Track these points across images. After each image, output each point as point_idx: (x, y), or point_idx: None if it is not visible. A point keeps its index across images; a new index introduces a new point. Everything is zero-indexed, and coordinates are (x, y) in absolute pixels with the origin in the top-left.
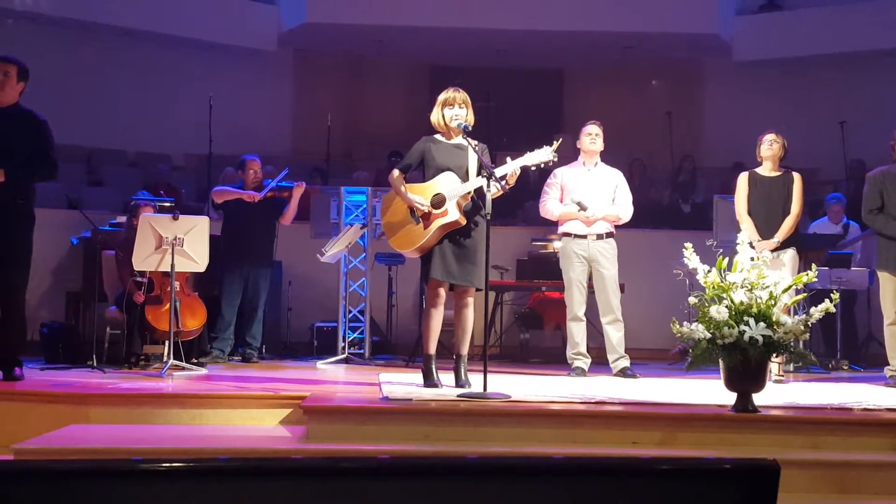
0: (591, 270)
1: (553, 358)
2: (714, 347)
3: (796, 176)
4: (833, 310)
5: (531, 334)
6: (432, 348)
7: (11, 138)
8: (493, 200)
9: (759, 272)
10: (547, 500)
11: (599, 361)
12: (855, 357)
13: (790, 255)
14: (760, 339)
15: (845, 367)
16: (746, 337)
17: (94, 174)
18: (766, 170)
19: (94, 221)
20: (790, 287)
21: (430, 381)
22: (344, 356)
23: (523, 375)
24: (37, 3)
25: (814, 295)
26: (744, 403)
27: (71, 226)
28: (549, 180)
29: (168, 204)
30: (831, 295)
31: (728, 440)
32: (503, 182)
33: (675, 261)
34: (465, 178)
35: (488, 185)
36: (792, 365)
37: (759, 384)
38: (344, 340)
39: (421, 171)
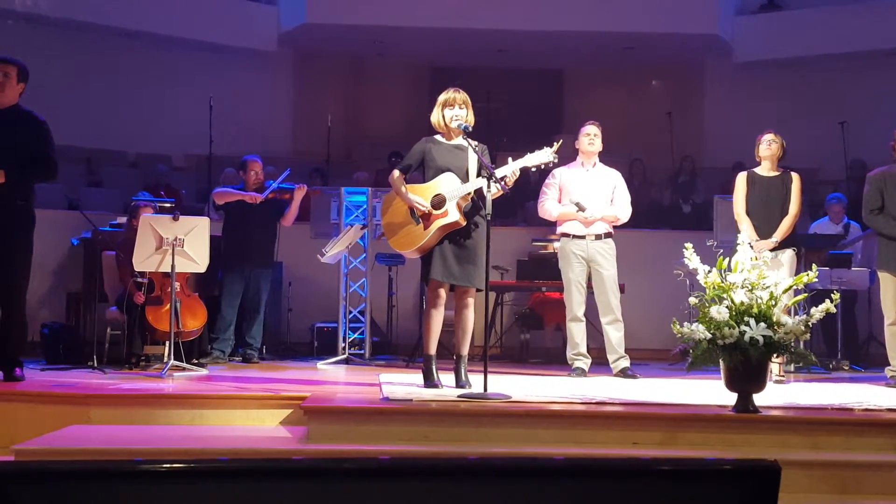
0: (590, 271)
1: (553, 358)
2: (714, 348)
3: (795, 176)
4: (833, 310)
5: (531, 335)
6: (432, 349)
7: (11, 139)
8: (494, 201)
9: (760, 272)
10: (547, 500)
11: (600, 362)
12: (855, 357)
13: (788, 255)
14: (761, 339)
15: (846, 368)
16: (747, 337)
17: (95, 175)
18: (765, 170)
19: (94, 222)
20: (790, 287)
21: (430, 382)
22: (344, 357)
23: (523, 376)
24: (37, 4)
25: (814, 295)
26: (744, 404)
27: (71, 226)
28: (547, 180)
29: (168, 205)
30: (832, 295)
31: (728, 440)
32: (503, 183)
33: (675, 261)
34: (465, 178)
35: (488, 186)
36: (792, 365)
37: (759, 384)
38: (344, 341)
39: (421, 171)
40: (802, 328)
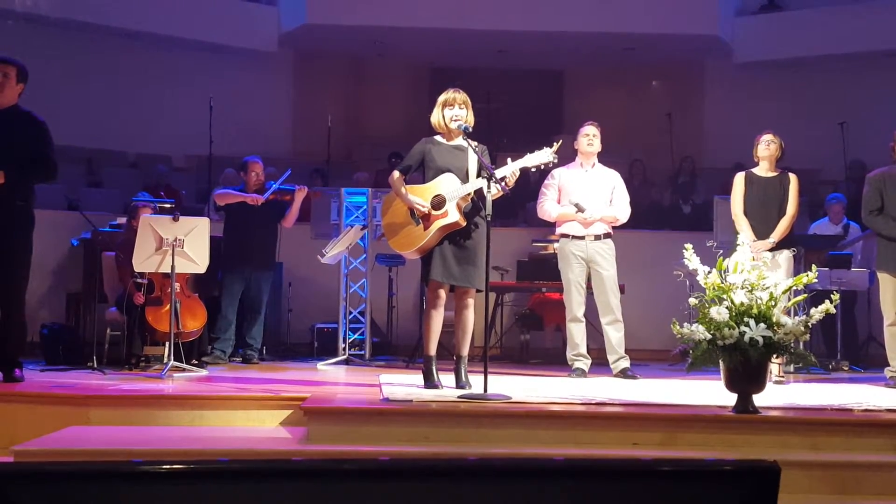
0: (589, 271)
1: (553, 359)
2: (714, 348)
3: (792, 177)
4: (833, 311)
5: (531, 335)
6: (433, 349)
7: (11, 140)
8: (494, 201)
9: (760, 273)
10: (547, 501)
11: (600, 362)
12: (855, 358)
13: (786, 256)
14: (761, 340)
15: (845, 368)
16: (747, 338)
17: (95, 175)
18: (763, 170)
19: (94, 223)
20: (790, 288)
21: (430, 383)
22: (344, 357)
23: (524, 376)
24: (37, 4)
25: (814, 296)
26: (744, 404)
27: (71, 227)
28: (546, 181)
29: (168, 205)
30: (831, 296)
31: (728, 441)
32: (503, 183)
33: (675, 262)
34: (465, 179)
35: (488, 187)
36: (792, 366)
37: (759, 385)
38: (344, 341)
39: (421, 172)
40: (802, 329)
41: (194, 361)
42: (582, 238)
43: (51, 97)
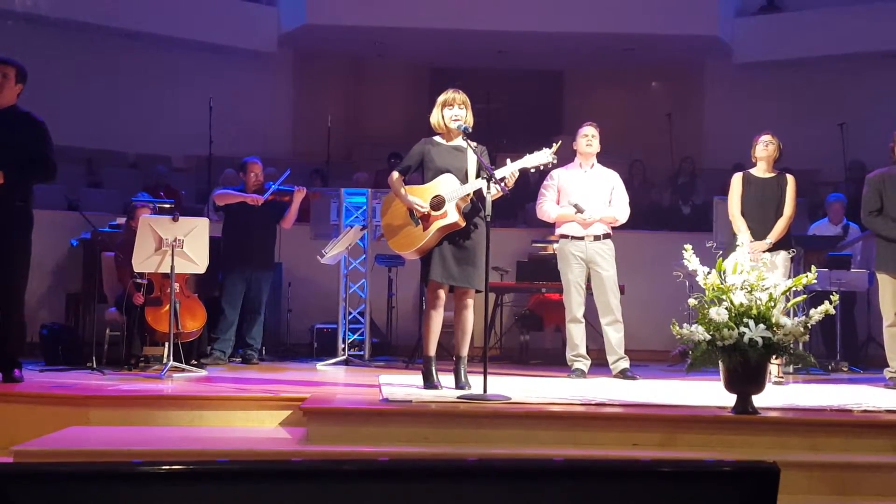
0: (589, 272)
1: (553, 359)
2: (714, 349)
3: (790, 178)
4: (832, 311)
5: (531, 336)
6: (432, 350)
7: (10, 140)
8: (493, 202)
9: (759, 274)
10: (547, 501)
11: (599, 363)
12: (854, 359)
13: (782, 256)
14: (760, 340)
15: (845, 369)
16: (746, 339)
17: (94, 175)
18: (760, 171)
19: (93, 223)
20: (789, 289)
21: (429, 383)
22: (344, 358)
23: (523, 377)
24: (36, 4)
25: (813, 296)
26: (743, 405)
27: (71, 227)
28: (545, 182)
29: (168, 205)
30: (831, 296)
31: (728, 442)
32: (503, 184)
33: (674, 262)
34: (464, 179)
35: (488, 187)
36: (791, 366)
37: (758, 386)
38: (344, 342)
39: (420, 172)
40: (801, 330)
41: (194, 362)
42: (581, 239)
43: (51, 97)
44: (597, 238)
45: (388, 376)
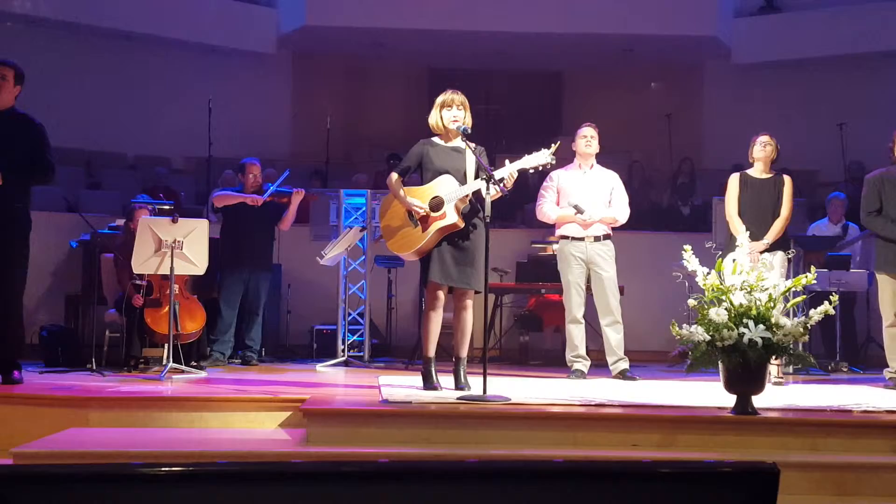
0: (589, 272)
1: (553, 360)
2: (713, 350)
3: (787, 178)
4: (832, 312)
5: (531, 337)
6: (432, 351)
7: (8, 142)
8: (492, 203)
9: (759, 275)
10: (547, 502)
11: (599, 364)
12: (854, 359)
13: (779, 257)
14: (760, 341)
15: (844, 369)
16: (746, 339)
17: (93, 177)
18: (758, 171)
19: (92, 224)
20: (788, 290)
21: (429, 384)
22: (343, 359)
23: (523, 378)
24: (35, 6)
25: (813, 297)
26: (743, 405)
27: (70, 229)
28: (545, 183)
29: (167, 207)
30: (830, 297)
31: (728, 442)
32: (502, 185)
33: (674, 263)
34: (463, 180)
35: (487, 188)
36: (791, 367)
37: (758, 386)
38: (343, 343)
39: (419, 173)
40: (801, 330)
41: (193, 363)
42: (581, 239)
43: (50, 99)
44: (597, 239)
45: (387, 377)
